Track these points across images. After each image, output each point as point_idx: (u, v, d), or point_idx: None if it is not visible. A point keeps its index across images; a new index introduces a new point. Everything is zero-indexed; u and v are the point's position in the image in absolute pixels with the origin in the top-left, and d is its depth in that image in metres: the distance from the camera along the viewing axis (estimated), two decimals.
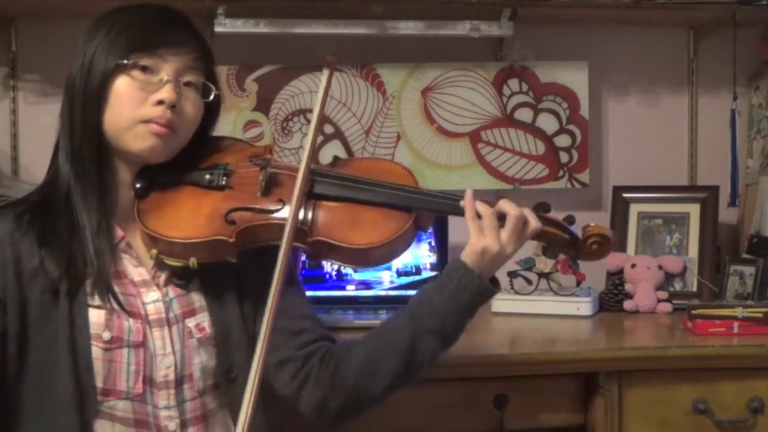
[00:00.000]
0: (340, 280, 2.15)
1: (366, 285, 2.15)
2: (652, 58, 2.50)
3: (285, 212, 1.33)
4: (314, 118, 1.36)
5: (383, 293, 2.15)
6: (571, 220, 1.47)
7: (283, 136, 2.30)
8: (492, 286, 1.39)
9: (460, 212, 1.39)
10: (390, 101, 2.34)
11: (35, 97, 2.25)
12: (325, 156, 2.31)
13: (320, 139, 2.31)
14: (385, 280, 2.15)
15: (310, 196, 1.37)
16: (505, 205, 1.38)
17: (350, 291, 2.16)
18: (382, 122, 2.34)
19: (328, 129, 2.33)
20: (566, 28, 2.43)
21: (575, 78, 2.40)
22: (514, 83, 2.38)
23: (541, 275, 2.14)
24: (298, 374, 1.37)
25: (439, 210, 1.42)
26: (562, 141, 2.40)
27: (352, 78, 2.32)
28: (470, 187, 2.32)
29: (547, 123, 2.40)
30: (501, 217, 1.38)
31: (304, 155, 1.34)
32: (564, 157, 2.40)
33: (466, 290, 1.36)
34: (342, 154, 2.31)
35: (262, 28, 2.16)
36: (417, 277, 2.14)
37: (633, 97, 2.52)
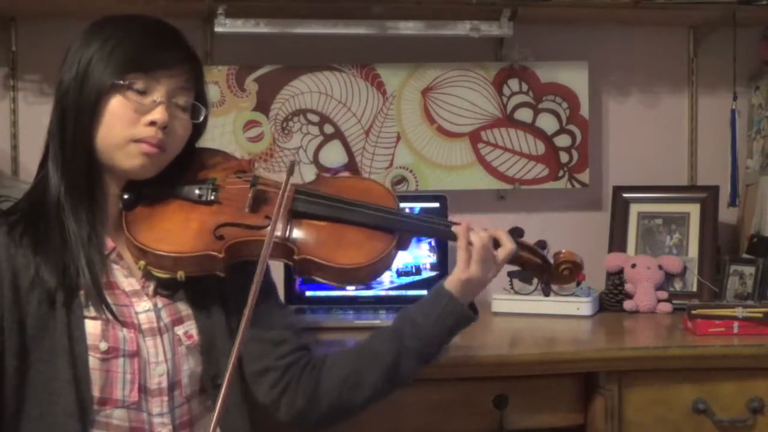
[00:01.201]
0: None
1: (366, 285, 2.15)
2: (652, 58, 2.50)
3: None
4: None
5: (383, 293, 2.14)
6: (542, 245, 1.52)
7: (283, 136, 2.30)
8: (472, 313, 1.47)
9: (441, 235, 1.46)
10: (390, 101, 2.34)
11: (35, 97, 2.25)
12: (326, 156, 2.31)
13: (320, 139, 2.32)
14: (385, 280, 2.14)
15: (297, 215, 1.40)
16: (502, 236, 1.45)
17: (350, 291, 2.15)
18: (382, 122, 2.34)
19: (329, 129, 2.32)
20: (566, 28, 2.43)
21: (575, 78, 2.39)
22: (514, 83, 2.38)
23: None
24: (278, 383, 1.40)
25: (420, 233, 1.49)
26: (562, 141, 2.40)
27: (352, 78, 2.32)
28: (470, 187, 2.36)
29: (547, 123, 2.39)
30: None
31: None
32: (564, 157, 2.40)
33: (450, 317, 1.43)
34: (342, 154, 2.32)
35: (262, 28, 2.16)
36: (417, 277, 2.14)
37: (633, 97, 2.51)
